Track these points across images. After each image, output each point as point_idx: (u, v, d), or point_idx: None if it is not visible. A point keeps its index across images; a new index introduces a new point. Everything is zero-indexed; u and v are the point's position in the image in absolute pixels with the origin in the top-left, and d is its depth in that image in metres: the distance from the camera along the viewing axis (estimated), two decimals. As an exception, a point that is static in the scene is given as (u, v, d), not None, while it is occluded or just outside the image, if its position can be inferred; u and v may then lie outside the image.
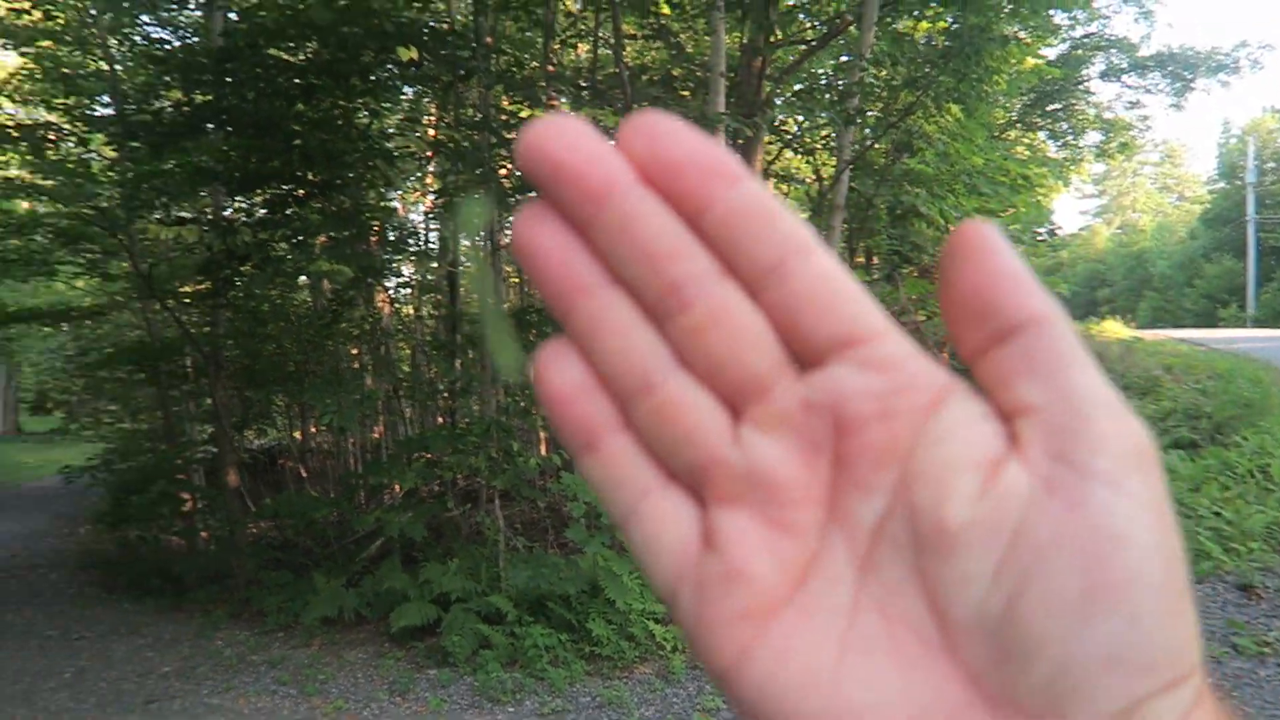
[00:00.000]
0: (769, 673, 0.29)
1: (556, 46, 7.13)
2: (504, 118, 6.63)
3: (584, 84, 6.83)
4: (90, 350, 12.68)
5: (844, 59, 7.24)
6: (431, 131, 8.71)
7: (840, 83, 6.89)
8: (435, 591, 5.68)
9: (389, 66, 6.38)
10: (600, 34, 6.97)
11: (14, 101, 9.99)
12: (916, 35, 7.38)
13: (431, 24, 6.41)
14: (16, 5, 8.16)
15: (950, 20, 6.78)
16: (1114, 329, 15.21)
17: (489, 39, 6.15)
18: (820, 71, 8.29)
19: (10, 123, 7.67)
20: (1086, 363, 0.28)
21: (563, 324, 0.31)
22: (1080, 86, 14.59)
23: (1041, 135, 14.84)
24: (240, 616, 6.49)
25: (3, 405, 23.10)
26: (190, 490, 8.01)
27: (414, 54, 5.96)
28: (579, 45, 8.10)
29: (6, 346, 15.31)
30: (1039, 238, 14.86)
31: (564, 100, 7.03)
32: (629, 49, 6.60)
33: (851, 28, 6.21)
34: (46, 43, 9.04)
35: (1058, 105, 14.48)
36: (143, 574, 7.55)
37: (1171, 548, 0.27)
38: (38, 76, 9.45)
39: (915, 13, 6.71)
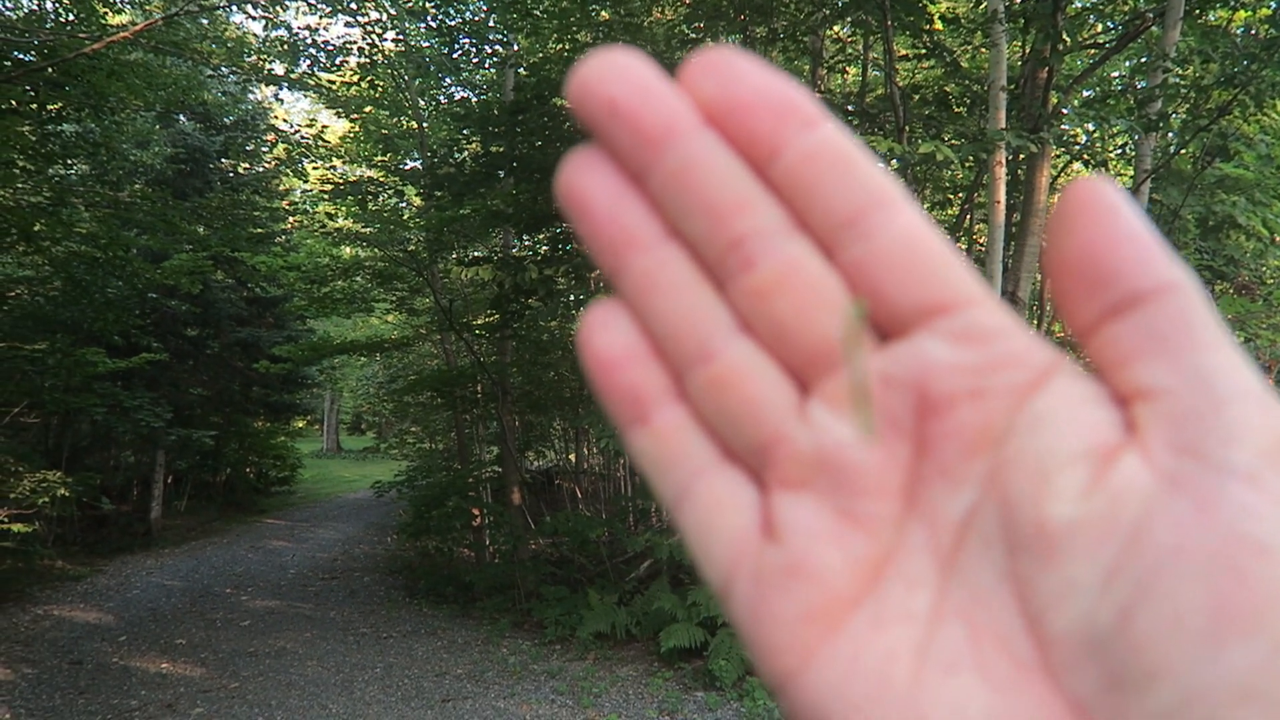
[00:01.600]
0: (834, 684, 0.25)
1: (824, 72, 7.11)
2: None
3: (852, 108, 6.74)
4: (397, 377, 14.21)
5: (1142, 60, 6.60)
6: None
7: (1140, 85, 6.29)
8: (703, 614, 5.75)
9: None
10: (871, 56, 6.87)
11: (343, 161, 11.48)
12: (1233, 25, 6.58)
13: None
14: (347, 79, 9.37)
15: (1274, 5, 5.99)
16: None
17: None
18: (1115, 75, 7.63)
19: (340, 181, 8.80)
20: (1223, 340, 0.23)
21: (613, 283, 0.28)
22: None
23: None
24: (522, 626, 6.92)
25: (327, 426, 26.38)
26: (480, 506, 8.68)
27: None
28: (847, 70, 8.01)
29: (332, 375, 17.48)
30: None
31: (831, 126, 6.96)
32: (900, 69, 6.43)
33: (1153, 27, 5.67)
34: (369, 109, 10.32)
35: None
36: (439, 581, 8.27)
37: None
38: (361, 139, 10.80)
39: (1231, 1, 5.99)
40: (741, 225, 0.26)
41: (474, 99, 9.36)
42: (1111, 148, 8.09)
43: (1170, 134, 6.60)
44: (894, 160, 5.16)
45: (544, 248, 8.35)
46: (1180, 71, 5.56)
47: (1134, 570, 0.22)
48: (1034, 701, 0.23)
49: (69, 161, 7.61)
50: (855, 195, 0.26)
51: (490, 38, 8.51)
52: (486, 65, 9.24)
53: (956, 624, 0.25)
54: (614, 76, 0.26)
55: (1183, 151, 6.84)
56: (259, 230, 9.64)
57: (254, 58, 9.39)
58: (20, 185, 6.65)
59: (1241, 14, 6.56)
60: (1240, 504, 0.22)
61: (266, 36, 9.06)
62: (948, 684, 0.24)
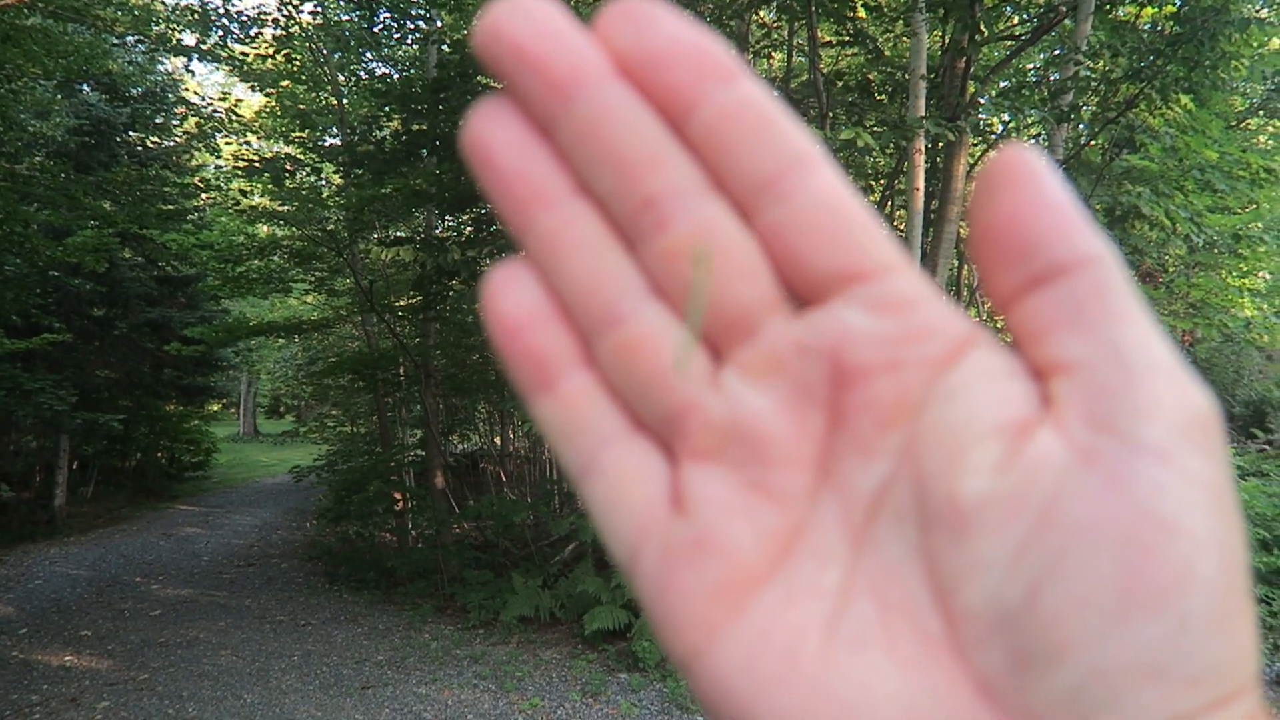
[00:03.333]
0: (741, 661, 0.24)
1: (750, 58, 7.13)
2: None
3: (777, 93, 6.79)
4: (317, 360, 13.88)
5: (1056, 53, 6.80)
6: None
7: (1053, 77, 6.48)
8: (627, 596, 5.78)
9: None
10: (795, 42, 6.92)
11: (258, 137, 11.11)
12: (1140, 21, 6.82)
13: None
14: (262, 52, 9.06)
15: (1179, 3, 6.22)
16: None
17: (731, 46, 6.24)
18: (1030, 67, 7.84)
19: (256, 157, 8.52)
20: (1141, 314, 0.23)
21: (519, 242, 0.27)
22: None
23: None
24: (445, 611, 6.86)
25: (244, 410, 25.67)
26: (402, 490, 8.57)
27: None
28: (773, 55, 8.06)
29: (248, 357, 16.98)
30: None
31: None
32: (824, 56, 6.50)
33: (1066, 20, 5.83)
34: (285, 83, 10.00)
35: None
36: (360, 567, 8.14)
37: (1231, 539, 0.21)
38: (278, 114, 10.46)
39: (1139, -2, 6.21)
40: (654, 183, 0.25)
41: (395, 76, 9.16)
42: (1026, 138, 8.33)
43: (1081, 125, 6.82)
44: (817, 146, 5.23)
45: (468, 229, 8.23)
46: (1091, 65, 5.74)
47: (1044, 547, 0.22)
48: (940, 679, 0.23)
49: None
50: (774, 156, 0.25)
51: (413, 13, 8.32)
52: (409, 41, 9.04)
53: (866, 599, 0.25)
54: (523, 22, 0.24)
55: (1092, 143, 7.08)
56: (169, 207, 9.28)
57: (162, 27, 9.00)
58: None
59: (1149, 10, 6.81)
60: (1150, 481, 0.21)
61: (176, 4, 8.69)
62: (855, 661, 0.24)
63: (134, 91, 11.33)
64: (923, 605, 0.24)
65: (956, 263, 7.33)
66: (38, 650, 5.79)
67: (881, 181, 7.96)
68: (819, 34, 5.77)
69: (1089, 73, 5.67)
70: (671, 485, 0.26)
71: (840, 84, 6.53)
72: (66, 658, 5.66)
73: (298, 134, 9.85)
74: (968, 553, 0.23)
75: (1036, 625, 0.21)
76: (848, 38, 5.97)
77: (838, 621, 0.24)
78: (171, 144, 11.82)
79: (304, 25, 8.94)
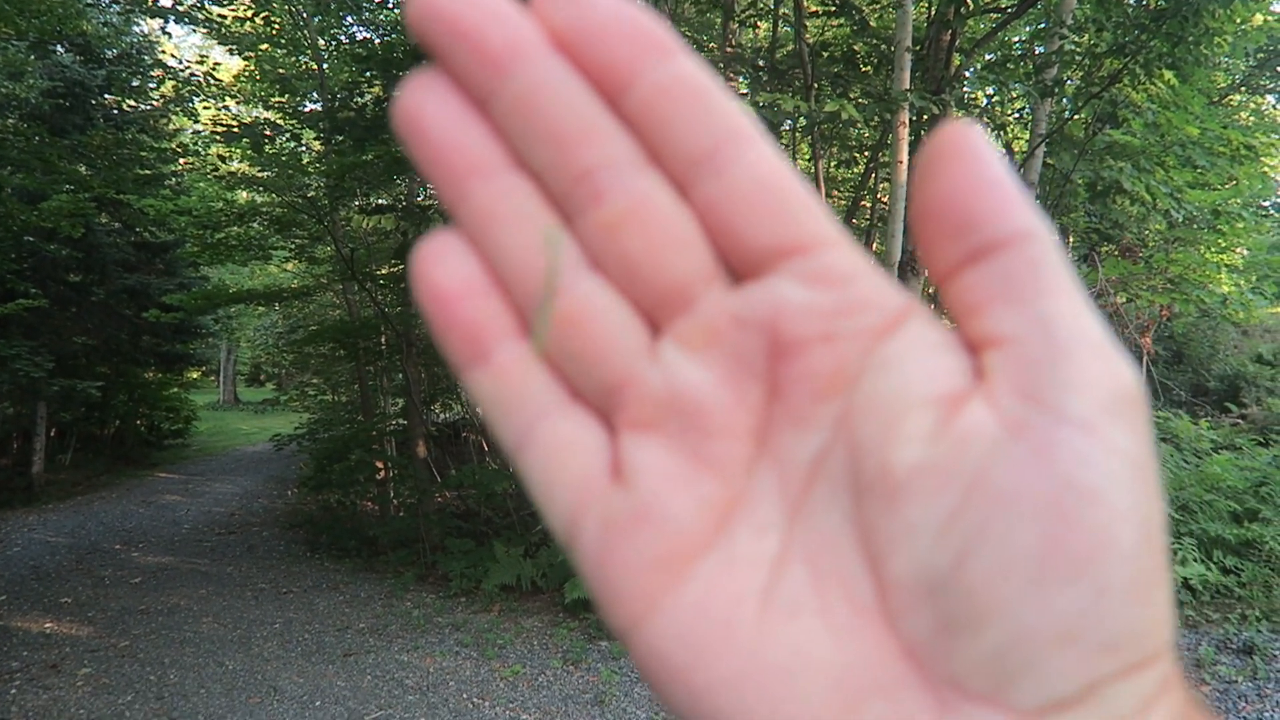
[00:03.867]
0: (679, 630, 0.25)
1: (735, 26, 7.08)
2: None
3: (763, 63, 6.74)
4: (298, 328, 13.79)
5: (1041, 26, 6.78)
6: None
7: (1038, 50, 6.47)
8: (608, 567, 5.83)
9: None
10: (780, 11, 6.86)
11: (237, 102, 10.93)
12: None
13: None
14: (239, 14, 8.90)
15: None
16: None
17: (669, 20, 6.18)
18: (1015, 40, 7.82)
19: (234, 122, 8.40)
20: (1071, 290, 0.24)
21: (453, 214, 0.27)
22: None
23: (1271, 100, 13.39)
24: (427, 580, 6.89)
25: (224, 377, 25.49)
26: (384, 459, 8.56)
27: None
28: (758, 24, 8.00)
29: (228, 325, 16.84)
30: (1264, 213, 13.46)
31: (743, 80, 6.97)
32: (809, 26, 6.45)
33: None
34: (264, 46, 9.83)
35: (1290, 68, 13.02)
36: (342, 535, 8.15)
37: (1151, 511, 0.22)
38: (257, 78, 10.29)
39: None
40: (590, 156, 0.25)
41: (377, 40, 9.01)
42: (1010, 111, 8.33)
43: (1064, 100, 6.82)
44: (801, 118, 5.20)
45: (450, 197, 8.16)
46: (1076, 39, 5.74)
47: (971, 515, 0.22)
48: (870, 644, 0.24)
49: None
50: (710, 131, 0.25)
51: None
52: (390, 5, 8.89)
53: (802, 567, 0.25)
54: None
55: (1075, 117, 7.09)
56: (146, 171, 9.15)
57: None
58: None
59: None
60: (1074, 452, 0.22)
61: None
62: (790, 627, 0.24)
63: (109, 54, 11.11)
64: (856, 573, 0.24)
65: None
66: (17, 617, 5.78)
67: (865, 154, 7.94)
68: (805, 3, 5.73)
69: (1073, 47, 5.66)
70: (610, 457, 0.26)
71: (825, 55, 6.49)
72: (46, 624, 5.66)
73: (277, 99, 9.70)
74: (899, 521, 0.23)
75: (961, 592, 0.22)
76: (833, 7, 5.93)
77: (774, 590, 0.25)
78: (148, 108, 11.62)
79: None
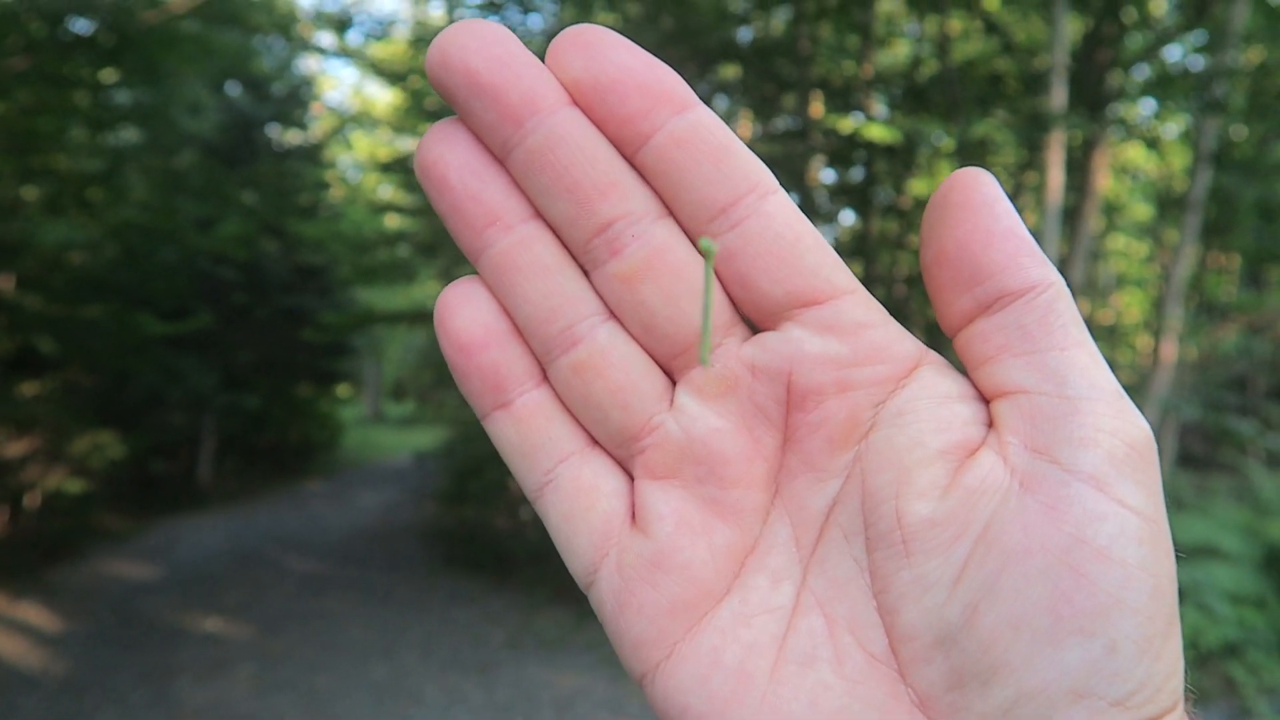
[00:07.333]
0: (696, 678, 0.25)
1: (874, 49, 6.98)
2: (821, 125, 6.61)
3: (902, 86, 6.62)
4: (438, 347, 14.32)
5: (1203, 41, 6.40)
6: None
7: (1201, 65, 6.10)
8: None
9: (705, 83, 6.61)
10: (925, 31, 6.73)
11: (391, 128, 11.53)
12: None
13: (753, 39, 6.55)
14: (395, 52, 9.40)
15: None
16: None
17: (807, 44, 6.16)
18: (1171, 59, 7.41)
19: (389, 158, 8.87)
20: (1085, 341, 0.23)
21: (473, 263, 0.27)
22: None
23: None
24: (559, 598, 7.00)
25: (370, 393, 26.71)
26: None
27: (735, 70, 6.11)
28: (896, 45, 7.86)
29: (376, 343, 17.68)
30: None
31: (882, 104, 6.86)
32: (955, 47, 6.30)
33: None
34: (414, 78, 10.34)
35: None
36: (477, 550, 8.38)
37: (1162, 566, 0.22)
38: (409, 109, 10.83)
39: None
40: (607, 209, 0.25)
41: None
42: (1169, 129, 7.87)
43: (1231, 116, 6.40)
44: (948, 139, 5.07)
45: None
46: (1244, 52, 5.40)
47: (983, 569, 0.23)
48: (884, 695, 0.24)
49: (123, 129, 7.74)
50: (727, 183, 0.25)
51: (535, 5, 8.46)
52: (534, 38, 9.20)
53: (816, 615, 0.25)
54: (476, 49, 0.25)
55: (1243, 134, 6.65)
56: (306, 199, 9.74)
57: (300, 25, 9.44)
58: (77, 153, 6.78)
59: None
60: (1085, 508, 0.22)
61: (317, 8, 9.10)
62: (804, 678, 0.25)
63: (275, 90, 11.93)
64: (869, 622, 0.25)
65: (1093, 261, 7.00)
66: (185, 615, 6.21)
67: (1009, 174, 7.66)
68: (950, 24, 5.60)
69: (1233, 63, 5.32)
70: (630, 503, 0.27)
71: (970, 76, 6.32)
72: (211, 624, 6.05)
73: (424, 127, 10.17)
74: (911, 573, 0.24)
75: (973, 646, 0.22)
76: (983, 25, 5.77)
77: (788, 637, 0.25)
78: (306, 141, 12.40)
79: (433, 27, 9.22)
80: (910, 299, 6.42)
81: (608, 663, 5.41)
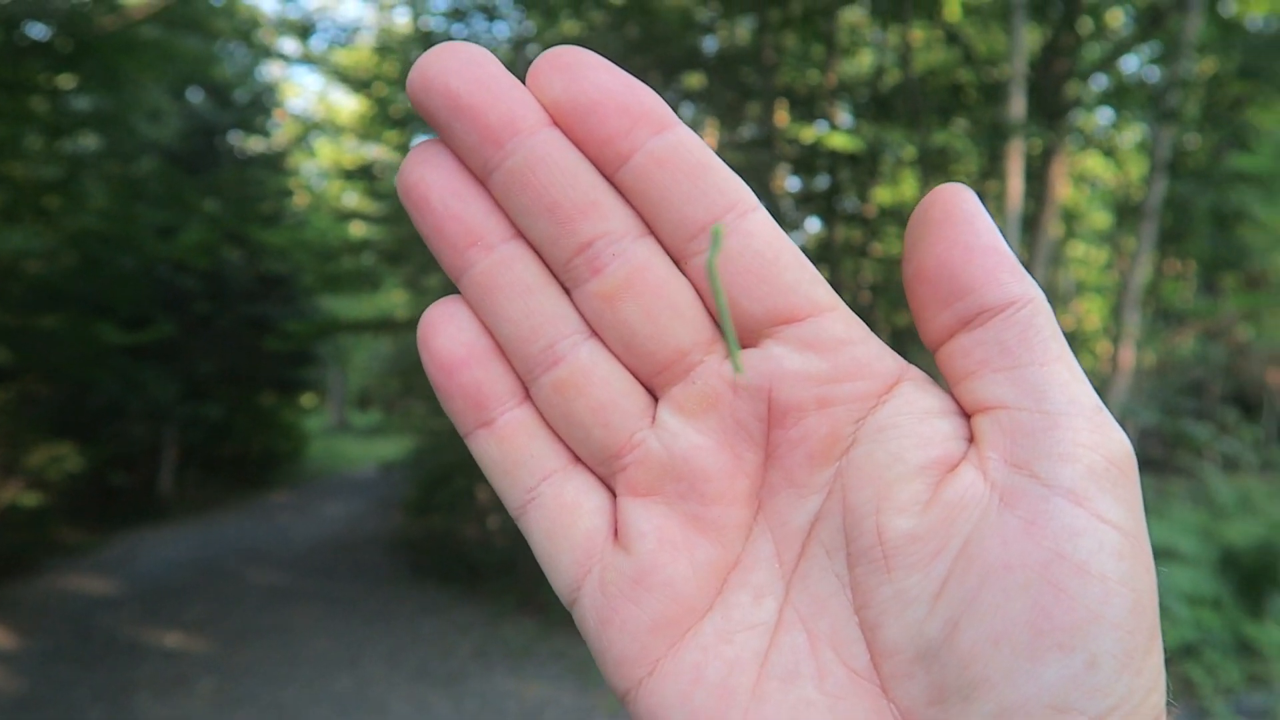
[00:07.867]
0: (679, 695, 0.25)
1: (838, 59, 7.05)
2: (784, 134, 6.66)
3: (866, 95, 6.69)
4: (405, 354, 14.22)
5: (1157, 53, 6.55)
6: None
7: (1156, 76, 6.24)
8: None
9: (671, 92, 6.63)
10: (888, 41, 6.81)
11: (353, 137, 11.45)
12: (1251, 16, 6.51)
13: (718, 48, 6.59)
14: (359, 59, 9.34)
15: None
16: None
17: (771, 53, 6.20)
18: (1127, 70, 7.57)
19: (353, 165, 8.80)
20: (1066, 357, 0.24)
21: (456, 283, 0.27)
22: None
23: None
24: (526, 607, 6.97)
25: (334, 402, 26.43)
26: (485, 484, 8.71)
27: (700, 79, 6.14)
28: (860, 54, 7.95)
29: (340, 351, 17.52)
30: None
31: (846, 112, 6.93)
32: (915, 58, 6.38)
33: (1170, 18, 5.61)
34: (378, 85, 10.28)
35: None
36: (444, 560, 8.32)
37: (1143, 581, 0.22)
38: (372, 117, 10.77)
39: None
40: (588, 228, 0.26)
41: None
42: (1126, 138, 8.03)
43: (1186, 126, 6.55)
44: (910, 148, 5.14)
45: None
46: (1198, 63, 5.53)
47: (963, 584, 0.23)
48: (865, 710, 0.24)
49: (81, 136, 7.61)
50: (706, 202, 0.25)
51: (500, 13, 8.46)
52: (499, 45, 9.19)
53: (798, 631, 0.26)
54: (456, 70, 0.25)
55: (1198, 143, 6.80)
56: (269, 207, 9.63)
57: (263, 32, 9.35)
58: (34, 160, 6.66)
59: (1261, 6, 6.50)
60: (1065, 523, 0.22)
61: (281, 15, 9.02)
62: (787, 694, 0.25)
63: (237, 97, 11.80)
64: (851, 637, 0.25)
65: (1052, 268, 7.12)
66: (145, 629, 6.10)
67: (969, 181, 7.77)
68: (911, 34, 5.67)
69: (1187, 74, 5.45)
70: (612, 520, 0.27)
71: (931, 85, 6.41)
72: (172, 638, 5.95)
73: (389, 135, 10.11)
74: (892, 588, 0.24)
75: (953, 660, 0.22)
76: (944, 36, 5.85)
77: (770, 653, 0.25)
78: (269, 148, 12.27)
79: (397, 34, 9.18)
80: (875, 306, 6.47)
81: (574, 672, 5.39)
